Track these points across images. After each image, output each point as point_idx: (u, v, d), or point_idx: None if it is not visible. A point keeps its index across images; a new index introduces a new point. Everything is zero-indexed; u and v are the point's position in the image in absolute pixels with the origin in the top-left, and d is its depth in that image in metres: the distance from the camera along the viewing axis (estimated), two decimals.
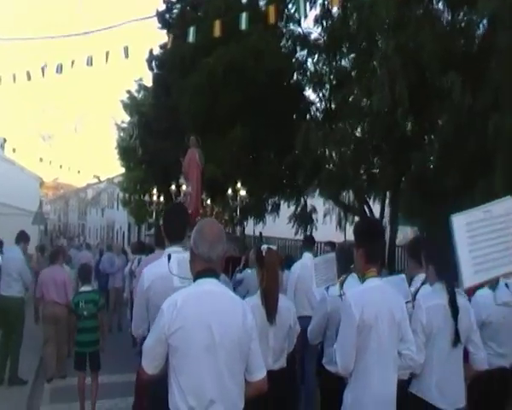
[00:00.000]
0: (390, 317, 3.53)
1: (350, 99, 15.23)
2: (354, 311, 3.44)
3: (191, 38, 10.66)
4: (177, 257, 3.79)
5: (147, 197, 17.90)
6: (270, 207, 17.39)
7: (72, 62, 11.96)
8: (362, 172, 12.67)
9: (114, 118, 33.05)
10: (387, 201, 14.96)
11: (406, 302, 4.22)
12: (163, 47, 23.15)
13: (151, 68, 24.61)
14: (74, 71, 12.30)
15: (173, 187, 15.99)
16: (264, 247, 4.48)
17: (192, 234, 3.03)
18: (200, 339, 2.76)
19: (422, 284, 4.42)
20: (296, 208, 16.84)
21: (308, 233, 14.96)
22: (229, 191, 14.84)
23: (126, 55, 11.38)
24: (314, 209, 16.57)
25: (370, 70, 11.43)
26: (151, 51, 24.08)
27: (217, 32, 10.24)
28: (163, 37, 28.82)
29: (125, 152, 29.95)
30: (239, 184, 14.49)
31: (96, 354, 7.43)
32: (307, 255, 8.51)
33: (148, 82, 27.28)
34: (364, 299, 3.51)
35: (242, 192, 14.67)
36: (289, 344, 4.58)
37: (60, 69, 12.22)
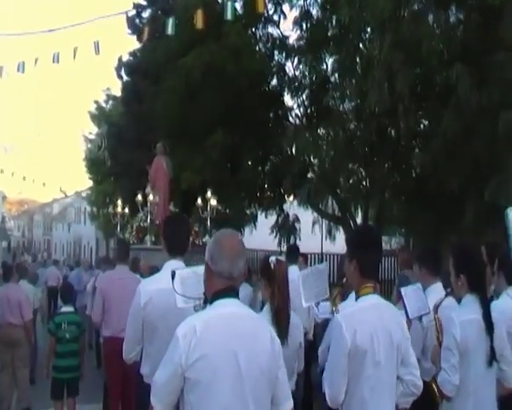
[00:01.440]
0: (388, 339, 3.12)
1: (331, 102, 14.64)
2: (345, 334, 3.05)
3: (170, 31, 9.64)
4: (180, 274, 3.41)
5: (111, 209, 16.68)
6: (248, 218, 16.30)
7: (36, 60, 10.81)
8: (353, 177, 11.70)
9: (82, 129, 31.83)
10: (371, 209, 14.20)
11: (424, 314, 4.09)
12: (133, 54, 22.28)
13: (120, 77, 23.73)
14: (39, 72, 11.19)
15: (139, 197, 14.88)
16: (273, 258, 3.97)
17: (208, 247, 2.64)
18: (225, 370, 2.42)
19: (446, 295, 4.06)
20: (278, 218, 15.86)
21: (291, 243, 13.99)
22: (199, 201, 13.85)
23: (97, 51, 10.30)
24: (297, 218, 15.64)
25: (362, 69, 10.58)
26: (120, 59, 23.40)
27: (199, 23, 9.24)
28: (132, 43, 28.02)
29: (94, 164, 28.82)
30: (209, 193, 13.50)
31: (76, 380, 6.91)
32: (293, 269, 7.61)
33: (117, 91, 26.38)
34: (357, 320, 3.10)
35: (213, 202, 13.72)
36: (299, 364, 4.27)
37: (22, 68, 11.06)
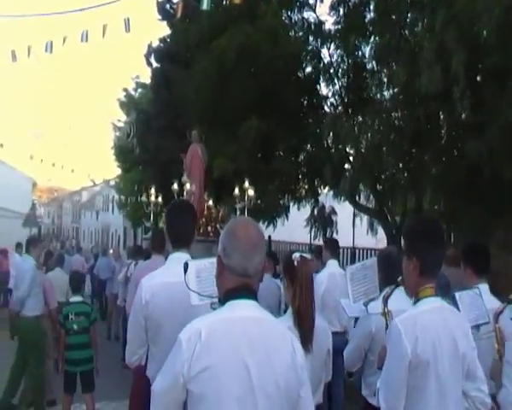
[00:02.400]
0: (453, 349, 2.73)
1: (372, 90, 13.81)
2: (405, 342, 2.66)
3: (205, 5, 8.95)
4: (195, 266, 3.07)
5: (144, 198, 16.15)
6: (281, 209, 15.52)
7: (64, 39, 10.23)
8: (394, 168, 10.81)
9: (111, 116, 31.40)
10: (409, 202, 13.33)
11: (483, 324, 3.74)
12: (163, 40, 21.74)
13: (149, 64, 23.32)
14: (68, 54, 10.64)
15: (175, 186, 14.31)
16: (296, 255, 3.56)
17: (221, 238, 2.29)
18: (233, 384, 2.05)
19: (509, 302, 3.71)
20: (313, 210, 15.03)
21: (329, 237, 13.21)
22: (236, 191, 13.23)
23: (127, 29, 9.67)
24: (333, 211, 14.82)
25: (407, 52, 9.71)
26: (150, 45, 22.91)
27: None
28: (162, 30, 27.44)
29: (122, 152, 28.38)
30: (247, 183, 12.87)
31: (89, 373, 6.67)
32: (333, 263, 7.60)
33: (146, 79, 25.87)
34: (419, 327, 2.69)
35: (251, 192, 13.10)
36: (327, 374, 3.78)
37: (50, 48, 10.50)
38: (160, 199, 15.55)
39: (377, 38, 13.28)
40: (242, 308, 2.19)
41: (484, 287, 4.09)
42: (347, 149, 11.88)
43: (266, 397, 2.09)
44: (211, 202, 13.78)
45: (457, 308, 3.68)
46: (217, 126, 13.56)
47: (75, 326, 6.63)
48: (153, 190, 15.50)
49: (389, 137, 9.68)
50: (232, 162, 12.86)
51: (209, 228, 13.28)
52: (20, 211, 30.38)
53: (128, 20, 9.62)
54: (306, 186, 15.00)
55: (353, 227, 15.66)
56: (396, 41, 10.09)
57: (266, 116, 13.03)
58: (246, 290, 2.21)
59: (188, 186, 13.54)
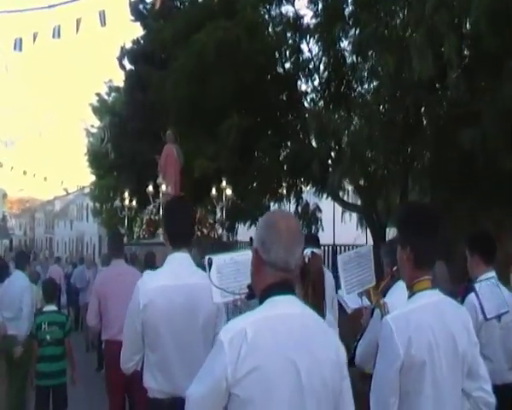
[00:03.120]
0: (451, 348, 2.51)
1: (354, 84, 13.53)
2: (397, 342, 2.46)
3: None
4: (216, 262, 3.04)
5: (117, 202, 15.67)
6: (264, 208, 15.09)
7: (35, 36, 9.64)
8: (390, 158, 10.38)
9: (84, 121, 30.64)
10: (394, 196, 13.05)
11: (503, 313, 3.77)
12: (136, 41, 21.23)
13: (122, 66, 22.78)
14: (39, 53, 10.08)
15: (150, 188, 13.98)
16: (307, 251, 3.42)
17: (259, 231, 2.11)
18: (283, 384, 1.93)
19: None
20: (297, 207, 14.62)
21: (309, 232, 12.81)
22: (214, 191, 12.81)
23: (102, 23, 9.15)
24: (318, 208, 14.44)
25: (394, 39, 9.38)
26: (122, 47, 22.37)
27: None
28: (134, 32, 26.86)
29: (96, 158, 27.73)
30: (224, 183, 12.46)
31: (62, 387, 6.30)
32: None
33: (119, 83, 25.33)
34: (412, 325, 2.48)
35: (228, 191, 12.71)
36: None
37: (19, 45, 9.91)
38: (134, 203, 15.09)
39: (357, 31, 13.11)
40: (284, 305, 2.06)
41: (491, 275, 4.02)
42: (333, 144, 11.48)
43: (314, 396, 2.00)
44: None
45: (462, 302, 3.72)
46: (196, 125, 13.13)
47: (48, 337, 6.26)
48: (126, 194, 15.07)
49: (378, 129, 9.29)
50: (212, 162, 12.40)
51: None
52: None
53: (103, 13, 9.09)
54: (286, 184, 14.59)
55: (333, 224, 15.37)
56: (381, 30, 9.74)
57: (247, 113, 12.64)
58: (287, 286, 2.09)
59: (163, 188, 13.15)
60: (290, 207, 14.81)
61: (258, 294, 2.14)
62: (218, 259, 3.06)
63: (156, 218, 13.57)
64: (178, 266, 3.19)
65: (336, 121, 10.56)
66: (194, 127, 13.20)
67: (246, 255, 2.96)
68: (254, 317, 2.02)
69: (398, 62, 8.78)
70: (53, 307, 6.54)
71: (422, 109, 9.50)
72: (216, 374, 1.94)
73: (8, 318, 7.03)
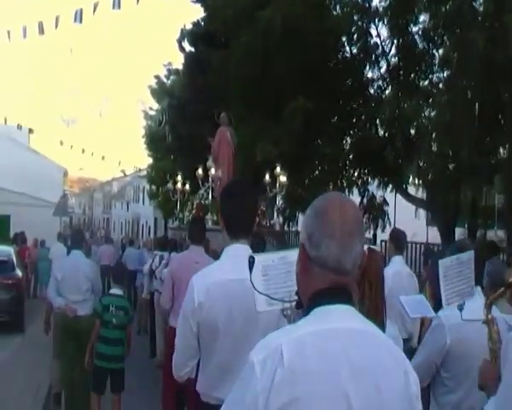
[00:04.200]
0: None
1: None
2: None
3: None
4: (261, 261, 2.52)
5: (170, 185, 15.28)
6: None
7: (95, 6, 9.10)
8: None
9: (142, 101, 30.37)
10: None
11: None
12: (197, 23, 20.72)
13: (182, 49, 22.41)
14: (100, 24, 9.53)
15: (200, 171, 13.30)
16: (364, 247, 2.47)
17: (305, 221, 1.65)
18: None
19: None
20: (362, 200, 13.64)
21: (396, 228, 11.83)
22: (267, 177, 12.04)
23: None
24: (385, 201, 13.42)
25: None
26: (182, 29, 21.96)
27: None
28: (194, 15, 26.34)
29: (153, 141, 27.49)
30: (278, 169, 11.68)
31: (120, 372, 6.25)
32: (398, 260, 6.43)
33: (178, 65, 24.96)
34: None
35: (283, 178, 11.89)
36: None
37: (79, 18, 9.39)
38: (187, 186, 14.58)
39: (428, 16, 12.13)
40: (338, 317, 1.59)
41: None
42: (409, 132, 10.48)
43: None
44: None
45: None
46: (258, 107, 12.34)
47: (114, 320, 6.17)
48: (179, 177, 14.53)
49: (462, 116, 8.25)
50: (275, 146, 11.58)
51: None
52: (51, 200, 29.76)
53: None
54: (351, 174, 13.64)
55: (394, 219, 14.37)
56: (467, 5, 8.67)
57: (311, 97, 11.76)
58: (341, 292, 1.61)
59: (213, 171, 12.54)
60: (354, 199, 13.88)
61: (304, 301, 1.68)
62: (264, 258, 2.59)
63: (206, 202, 13.11)
64: (237, 258, 2.74)
65: (412, 108, 9.53)
66: (257, 109, 12.42)
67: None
68: (296, 332, 1.54)
69: (487, 41, 7.71)
70: (120, 292, 6.49)
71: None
72: (245, 405, 1.51)
73: (77, 301, 6.80)
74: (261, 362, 1.51)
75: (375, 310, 2.64)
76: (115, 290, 6.49)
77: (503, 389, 2.30)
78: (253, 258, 2.46)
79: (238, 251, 2.83)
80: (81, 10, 9.34)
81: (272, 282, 2.56)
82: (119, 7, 8.90)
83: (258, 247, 5.81)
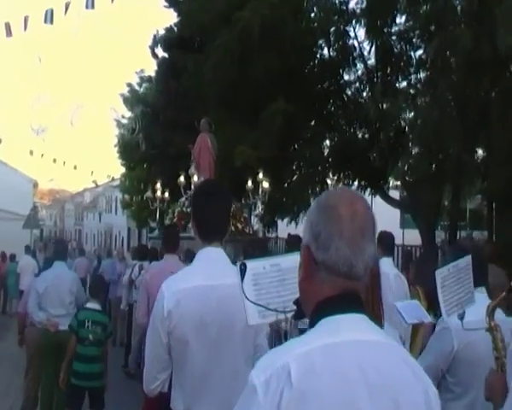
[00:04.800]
0: None
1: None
2: None
3: None
4: (252, 268, 2.27)
5: (149, 193, 14.85)
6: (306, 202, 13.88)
7: (67, 6, 8.67)
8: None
9: (115, 109, 29.80)
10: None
11: None
12: (169, 29, 20.44)
13: (155, 55, 22.08)
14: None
15: (182, 178, 13.07)
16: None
17: (310, 218, 1.47)
18: None
19: None
20: None
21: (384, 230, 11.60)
22: (249, 183, 11.74)
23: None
24: None
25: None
26: (155, 35, 21.67)
27: None
28: (167, 19, 26.02)
29: (126, 149, 26.98)
30: (261, 175, 11.39)
31: (100, 390, 5.95)
32: (386, 261, 6.16)
33: (151, 72, 24.66)
34: None
35: (265, 184, 11.61)
36: None
37: (50, 18, 8.93)
38: (166, 194, 14.27)
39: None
40: (351, 329, 1.38)
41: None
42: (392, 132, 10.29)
43: None
44: None
45: None
46: (236, 110, 12.03)
47: (90, 336, 5.85)
48: (158, 185, 14.23)
49: (449, 113, 8.05)
50: (254, 150, 11.26)
51: None
52: (20, 213, 29.01)
53: None
54: (332, 178, 13.41)
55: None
56: (450, 4, 8.52)
57: (291, 99, 11.49)
58: (353, 300, 1.42)
59: (195, 178, 12.30)
60: None
61: (308, 311, 1.49)
62: (256, 265, 2.33)
63: (188, 210, 12.77)
64: (211, 262, 2.61)
65: (394, 107, 9.33)
66: (235, 113, 12.12)
67: (293, 261, 2.22)
68: (304, 347, 1.36)
69: (474, 37, 7.54)
70: (97, 306, 6.14)
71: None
72: None
73: (60, 315, 6.51)
74: (264, 384, 1.32)
75: (374, 311, 2.56)
76: (92, 305, 6.14)
77: (510, 401, 2.21)
78: (245, 265, 2.20)
79: (211, 255, 2.65)
80: (52, 11, 8.89)
81: (264, 291, 2.32)
82: (93, 7, 8.49)
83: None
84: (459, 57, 8.17)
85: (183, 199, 13.31)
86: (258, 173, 11.48)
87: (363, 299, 1.47)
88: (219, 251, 2.68)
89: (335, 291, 1.41)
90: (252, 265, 2.31)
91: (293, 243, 7.16)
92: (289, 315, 2.15)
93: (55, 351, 6.40)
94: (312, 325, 1.42)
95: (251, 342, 2.64)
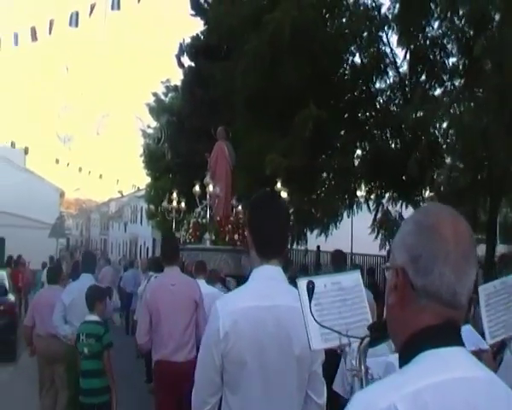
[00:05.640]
0: None
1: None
2: None
3: None
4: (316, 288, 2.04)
5: (165, 203, 14.42)
6: (340, 213, 13.27)
7: (92, 7, 8.35)
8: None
9: (141, 119, 29.70)
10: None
11: None
12: (196, 38, 20.22)
13: (180, 64, 21.87)
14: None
15: (197, 188, 12.54)
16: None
17: (405, 238, 1.31)
18: None
19: None
20: (375, 215, 12.79)
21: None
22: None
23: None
24: (400, 216, 12.55)
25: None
26: (181, 44, 21.48)
27: None
28: (193, 29, 25.85)
29: (152, 159, 26.79)
30: (279, 184, 10.79)
31: (106, 406, 5.62)
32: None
33: (177, 82, 24.47)
34: None
35: (283, 194, 11.03)
36: None
37: (75, 21, 8.62)
38: (183, 205, 13.81)
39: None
40: (458, 364, 1.22)
41: None
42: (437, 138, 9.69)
43: None
44: (240, 208, 11.79)
45: None
46: (265, 117, 11.53)
47: (86, 350, 5.60)
48: (174, 195, 13.73)
49: (495, 119, 7.46)
50: (284, 158, 10.75)
51: (236, 236, 11.39)
52: (47, 222, 29.03)
53: None
54: (367, 187, 12.78)
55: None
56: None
57: (322, 105, 10.99)
58: (455, 331, 1.28)
59: (211, 188, 11.79)
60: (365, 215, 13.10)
61: (398, 340, 1.31)
62: (316, 282, 2.09)
63: (203, 221, 12.34)
64: (269, 282, 2.45)
65: (434, 113, 8.76)
66: (263, 119, 11.62)
67: (354, 279, 2.27)
68: (410, 385, 1.17)
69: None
70: (94, 317, 5.81)
71: None
72: None
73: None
74: None
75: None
76: (89, 317, 5.83)
77: None
78: (313, 283, 2.01)
79: (270, 273, 2.47)
80: (77, 13, 8.58)
81: (326, 312, 2.11)
82: (119, 7, 8.15)
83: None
84: (507, 58, 7.57)
85: (198, 209, 12.84)
86: (276, 183, 10.86)
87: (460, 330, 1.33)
88: (278, 270, 2.51)
89: (437, 320, 1.28)
90: (321, 282, 2.14)
91: (340, 258, 6.74)
92: (354, 340, 1.97)
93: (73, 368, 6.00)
94: (407, 357, 1.27)
95: (306, 369, 2.47)
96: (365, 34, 13.07)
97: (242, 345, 2.40)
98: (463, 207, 10.12)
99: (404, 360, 1.27)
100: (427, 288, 1.27)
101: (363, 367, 1.88)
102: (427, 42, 13.10)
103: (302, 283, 2.07)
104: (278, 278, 2.50)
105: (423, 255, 1.27)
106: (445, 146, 9.32)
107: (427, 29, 13.30)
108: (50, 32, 9.08)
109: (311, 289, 2.01)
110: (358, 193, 13.25)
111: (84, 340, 5.62)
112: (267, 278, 2.47)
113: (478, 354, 4.10)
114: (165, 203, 14.45)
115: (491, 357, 3.40)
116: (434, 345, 1.25)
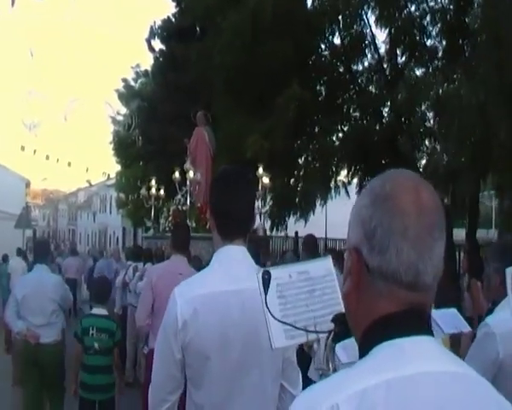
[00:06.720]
0: None
1: None
2: None
3: None
4: (275, 279, 1.90)
5: (143, 191, 14.04)
6: (322, 196, 12.80)
7: None
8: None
9: (110, 105, 28.83)
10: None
11: None
12: (167, 20, 19.57)
13: (151, 48, 21.19)
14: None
15: (177, 174, 12.23)
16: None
17: (360, 213, 1.12)
18: None
19: None
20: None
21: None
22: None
23: None
24: None
25: None
26: (152, 27, 20.82)
27: None
28: (163, 11, 25.07)
29: (122, 147, 26.03)
30: (261, 170, 10.44)
31: (109, 403, 5.48)
32: None
33: (147, 67, 23.82)
34: None
35: (265, 180, 10.69)
36: None
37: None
38: (162, 192, 13.41)
39: None
40: (420, 357, 1.07)
41: None
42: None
43: None
44: None
45: None
46: (245, 98, 11.03)
47: (96, 345, 5.34)
48: (153, 182, 13.33)
49: (494, 94, 7.09)
50: (265, 140, 10.28)
51: None
52: (14, 212, 28.06)
53: None
54: (351, 169, 12.36)
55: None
56: None
57: (304, 85, 10.54)
58: (419, 318, 1.11)
59: (191, 174, 11.52)
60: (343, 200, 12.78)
61: (357, 332, 1.16)
62: (280, 273, 1.91)
63: (184, 208, 12.04)
64: (232, 264, 2.21)
65: (425, 84, 8.38)
66: (243, 101, 11.14)
67: (325, 267, 2.01)
68: (359, 382, 1.03)
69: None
70: (103, 311, 5.59)
71: None
72: None
73: (41, 324, 5.73)
74: None
75: None
76: (97, 310, 5.60)
77: None
78: (269, 273, 1.83)
79: (233, 254, 2.25)
80: None
81: (290, 306, 1.94)
82: None
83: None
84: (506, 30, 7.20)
85: (178, 196, 12.52)
86: (258, 168, 10.52)
87: (428, 316, 1.15)
88: (242, 250, 2.29)
89: (397, 307, 1.10)
90: (275, 273, 1.89)
91: (311, 244, 6.52)
92: (321, 335, 1.81)
93: (37, 367, 5.72)
94: (364, 350, 1.11)
95: (280, 359, 2.26)
96: (347, 12, 12.69)
97: (204, 336, 2.18)
98: (464, 187, 9.79)
99: (362, 353, 1.13)
100: (383, 268, 1.10)
101: (330, 366, 1.69)
102: (407, 22, 12.82)
103: (259, 275, 1.84)
104: (244, 259, 2.27)
105: (378, 231, 1.10)
106: (436, 127, 8.92)
107: (405, 10, 13.06)
108: (13, 4, 8.34)
109: (266, 280, 1.81)
110: (339, 178, 12.91)
111: (95, 334, 5.37)
112: (230, 259, 2.24)
113: (457, 337, 3.98)
114: (143, 191, 14.10)
115: (469, 340, 3.31)
116: (394, 335, 1.09)
